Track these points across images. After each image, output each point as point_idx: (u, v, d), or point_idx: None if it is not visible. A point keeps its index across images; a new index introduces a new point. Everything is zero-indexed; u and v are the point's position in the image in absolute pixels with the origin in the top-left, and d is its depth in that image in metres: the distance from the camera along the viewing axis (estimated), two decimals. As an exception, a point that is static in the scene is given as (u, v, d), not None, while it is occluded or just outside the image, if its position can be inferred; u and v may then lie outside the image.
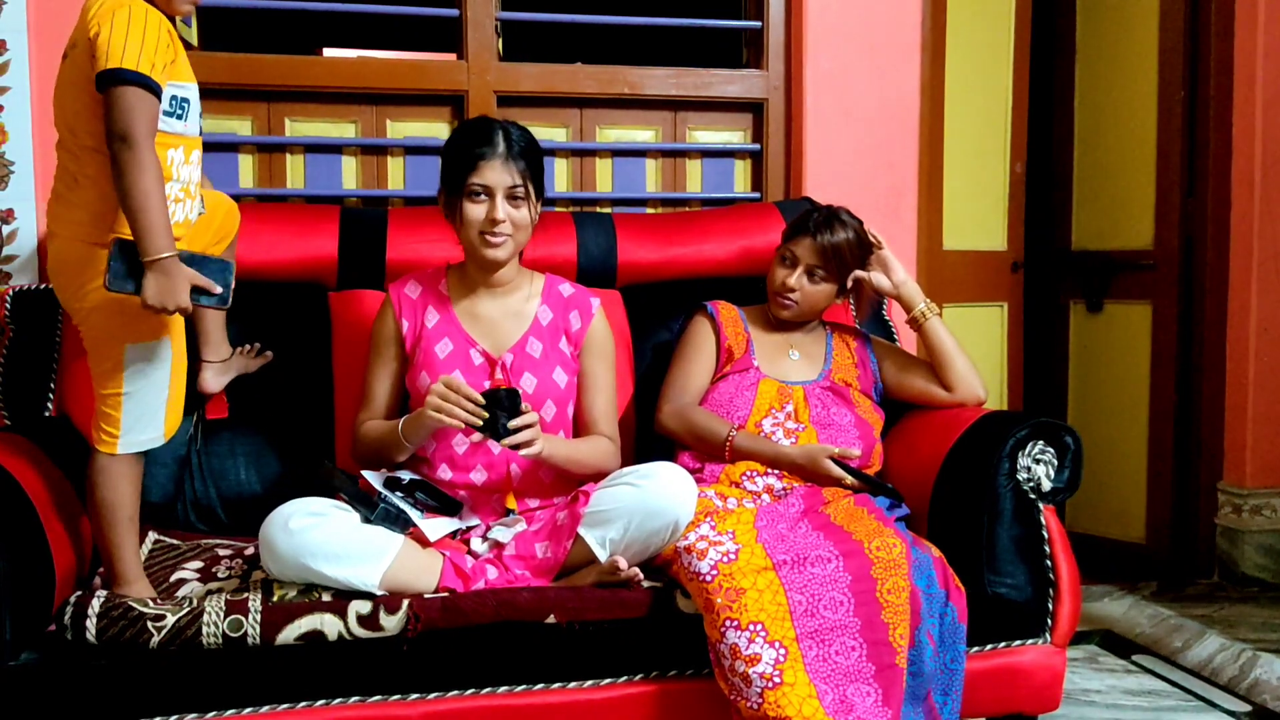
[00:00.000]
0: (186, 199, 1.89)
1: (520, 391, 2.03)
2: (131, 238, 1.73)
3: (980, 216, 3.41)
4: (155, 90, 1.74)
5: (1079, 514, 3.58)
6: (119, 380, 1.86)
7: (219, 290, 1.81)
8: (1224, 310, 3.39)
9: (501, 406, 1.97)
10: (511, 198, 2.09)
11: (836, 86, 3.00)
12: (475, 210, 2.10)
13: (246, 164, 2.84)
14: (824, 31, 2.98)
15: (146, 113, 1.72)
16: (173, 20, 1.85)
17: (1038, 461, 2.10)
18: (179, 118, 1.84)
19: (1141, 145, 3.49)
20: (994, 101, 3.41)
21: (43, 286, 2.41)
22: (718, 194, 3.08)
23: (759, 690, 1.77)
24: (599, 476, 2.13)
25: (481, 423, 1.97)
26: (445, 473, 2.15)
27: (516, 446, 1.99)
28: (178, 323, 1.92)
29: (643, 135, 3.07)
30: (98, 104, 1.73)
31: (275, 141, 2.83)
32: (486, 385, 2.12)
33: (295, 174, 2.87)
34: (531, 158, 2.12)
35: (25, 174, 2.53)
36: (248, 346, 2.36)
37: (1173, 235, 3.43)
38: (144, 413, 1.89)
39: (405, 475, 2.10)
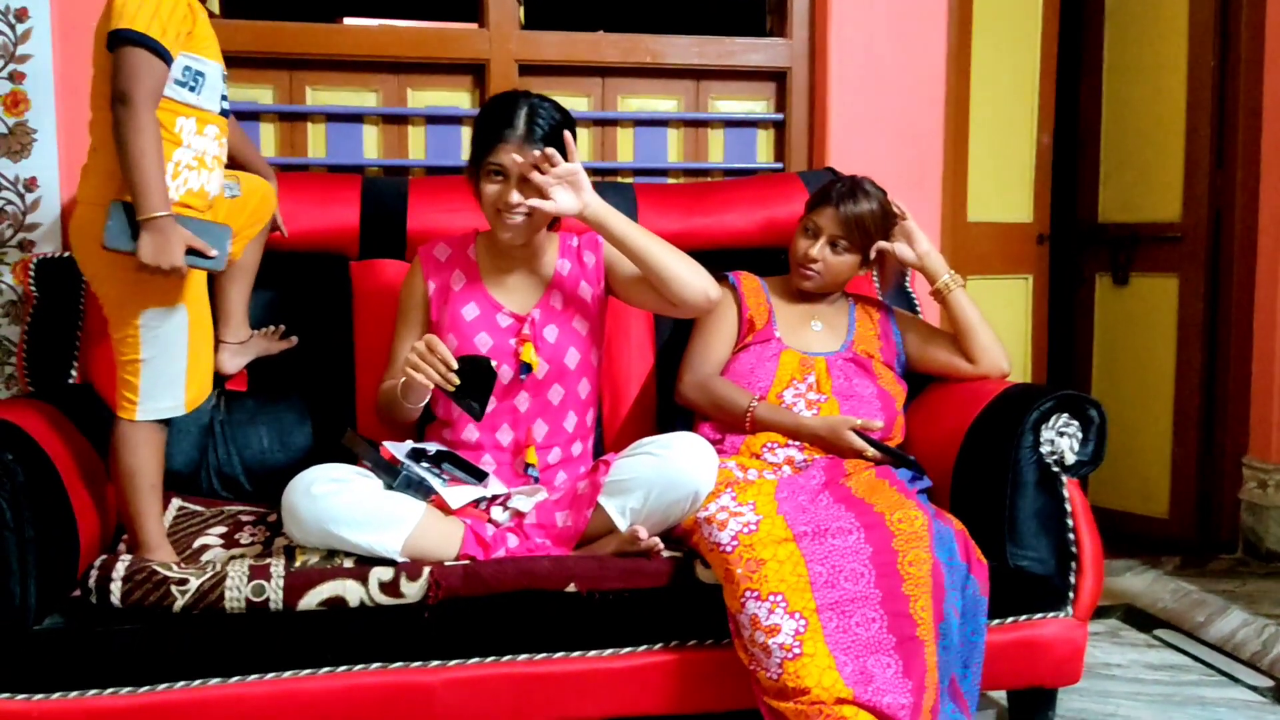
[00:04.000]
0: (201, 169, 1.89)
1: (494, 367, 2.00)
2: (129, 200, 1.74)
3: (1006, 188, 3.37)
4: (163, 55, 1.74)
5: (1102, 488, 3.56)
6: (136, 346, 1.88)
7: (214, 253, 1.82)
8: (1251, 284, 3.35)
9: (476, 376, 1.95)
10: (528, 180, 2.07)
11: (861, 55, 2.97)
12: (490, 189, 2.09)
13: (268, 133, 2.84)
14: (849, -1, 2.95)
15: (150, 75, 1.73)
16: None
17: (1061, 434, 2.09)
18: (191, 89, 1.85)
19: (1170, 116, 3.44)
20: (1021, 71, 3.36)
21: (66, 255, 2.42)
22: (740, 164, 3.06)
23: (779, 660, 1.77)
24: (686, 292, 2.11)
25: (453, 388, 1.95)
26: (471, 433, 2.15)
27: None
28: (197, 295, 1.93)
29: (665, 104, 3.05)
30: (109, 67, 1.75)
31: (297, 110, 2.83)
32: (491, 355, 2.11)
33: (317, 143, 2.87)
34: (554, 138, 2.07)
35: (48, 142, 2.54)
36: (271, 329, 2.37)
37: (1201, 208, 3.39)
38: (162, 380, 1.90)
39: (432, 447, 2.11)
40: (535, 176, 2.03)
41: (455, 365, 1.96)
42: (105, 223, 1.75)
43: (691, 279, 2.12)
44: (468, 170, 2.15)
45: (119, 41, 1.72)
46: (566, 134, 2.07)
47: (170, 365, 1.91)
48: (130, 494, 1.92)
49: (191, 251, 1.79)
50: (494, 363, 2.00)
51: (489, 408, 2.04)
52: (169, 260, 1.75)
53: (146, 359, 1.88)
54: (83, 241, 1.88)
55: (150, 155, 1.72)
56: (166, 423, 1.95)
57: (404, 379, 2.03)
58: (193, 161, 1.87)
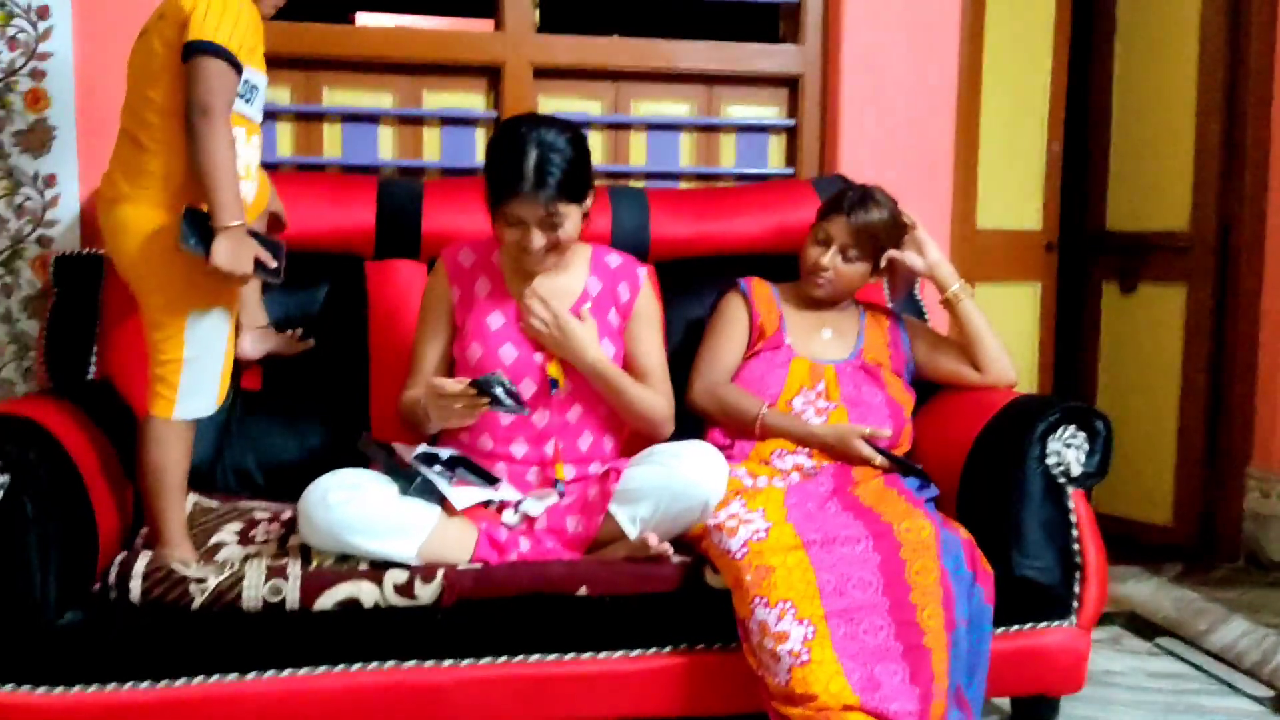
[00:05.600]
0: (246, 179, 1.93)
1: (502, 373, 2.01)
2: (198, 206, 1.78)
3: (1015, 195, 3.39)
4: (239, 68, 1.80)
5: (1105, 495, 3.56)
6: (180, 346, 1.91)
7: (275, 264, 1.88)
8: (1258, 294, 3.36)
9: (493, 387, 1.96)
10: (544, 226, 2.06)
11: (873, 62, 2.98)
12: (510, 234, 2.09)
13: (285, 132, 2.86)
14: (862, 6, 2.96)
15: (227, 87, 1.78)
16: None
17: (1068, 446, 2.11)
18: (248, 101, 1.91)
19: (1180, 125, 3.45)
20: (1032, 79, 3.38)
21: (86, 251, 2.44)
22: (751, 169, 3.08)
23: (787, 667, 1.80)
24: (647, 429, 2.18)
25: (489, 403, 1.97)
26: (486, 442, 2.17)
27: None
28: (233, 298, 1.97)
29: (677, 109, 3.07)
30: (178, 76, 1.79)
31: (313, 110, 2.85)
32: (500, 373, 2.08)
33: (332, 143, 2.89)
34: (567, 181, 2.04)
35: (68, 140, 2.56)
36: (290, 332, 2.39)
37: (1209, 217, 3.40)
38: (200, 380, 1.94)
39: (445, 452, 2.13)
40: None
41: (473, 392, 1.96)
42: (181, 227, 1.79)
43: (646, 420, 2.20)
44: (486, 203, 2.13)
45: (198, 52, 1.76)
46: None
47: (210, 365, 1.95)
48: (156, 491, 1.95)
49: (256, 263, 1.85)
50: (498, 373, 1.99)
51: (527, 395, 2.08)
52: (241, 267, 1.81)
53: (189, 359, 1.92)
54: (129, 239, 1.90)
55: (229, 166, 1.78)
56: (195, 423, 1.98)
57: (427, 401, 2.05)
58: (241, 171, 1.90)
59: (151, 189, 1.87)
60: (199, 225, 1.79)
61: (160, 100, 1.82)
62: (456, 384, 1.97)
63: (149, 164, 1.87)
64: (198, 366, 1.93)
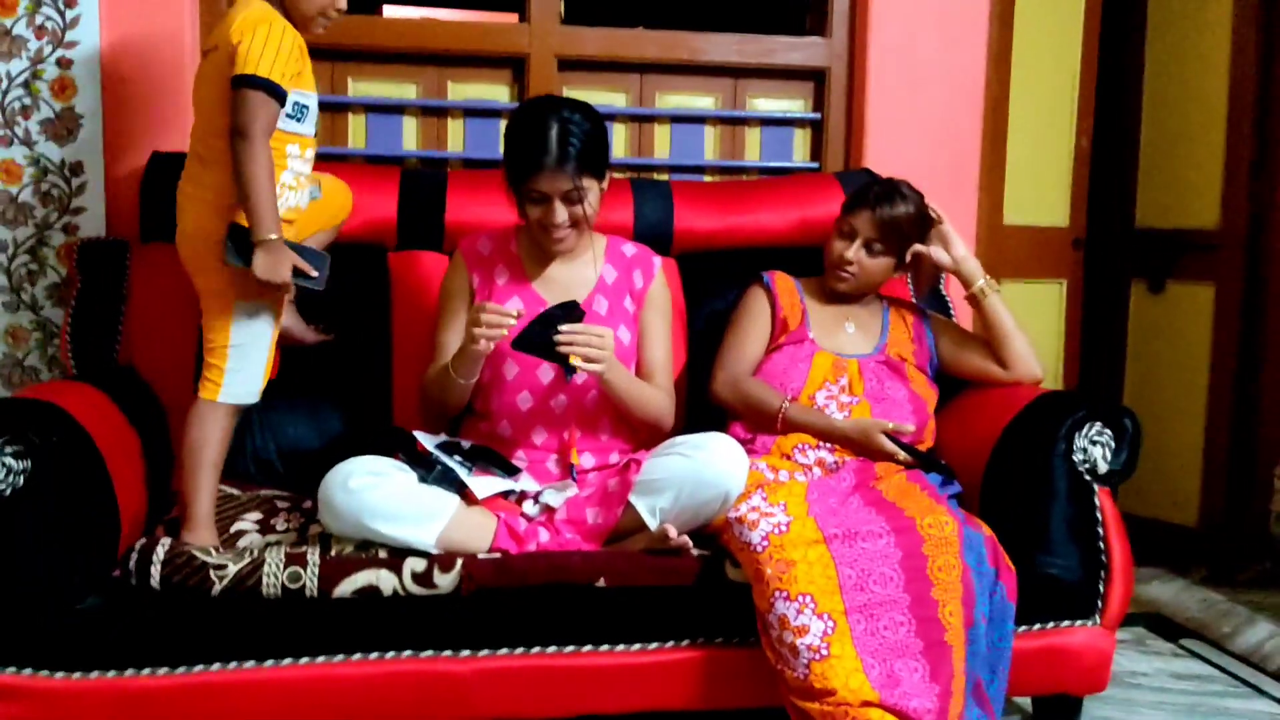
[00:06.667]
0: (299, 188, 2.07)
1: (579, 305, 2.03)
2: (243, 222, 1.93)
3: (1043, 191, 3.36)
4: (280, 95, 1.93)
5: (1131, 496, 3.53)
6: (227, 332, 2.02)
7: (315, 274, 1.99)
8: (1289, 294, 3.32)
9: (556, 320, 1.98)
10: (567, 200, 2.09)
11: (901, 56, 2.96)
12: (534, 211, 2.12)
13: (309, 122, 2.86)
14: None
15: (266, 114, 1.92)
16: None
17: (1094, 443, 2.09)
18: (298, 120, 2.04)
19: (1211, 121, 3.41)
20: (1061, 74, 3.34)
21: (111, 239, 2.45)
22: (776, 163, 3.06)
23: (806, 661, 1.79)
24: (653, 428, 2.19)
25: (514, 322, 1.99)
26: (506, 429, 2.17)
27: (571, 364, 1.99)
28: (279, 299, 2.06)
29: (702, 102, 3.05)
30: (228, 101, 1.92)
31: (338, 101, 2.85)
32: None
33: (356, 134, 2.89)
34: (588, 154, 2.08)
35: (94, 128, 2.57)
36: (313, 326, 2.40)
37: (1239, 215, 3.36)
38: (246, 365, 2.03)
39: (466, 443, 2.13)
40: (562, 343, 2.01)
41: (513, 312, 2.00)
42: (225, 242, 1.95)
43: (650, 419, 2.22)
44: (506, 184, 2.16)
45: (243, 85, 1.90)
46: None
47: (255, 354, 2.04)
48: (192, 470, 2.01)
49: (297, 272, 1.97)
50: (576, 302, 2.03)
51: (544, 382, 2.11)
52: (280, 277, 1.94)
53: (235, 345, 2.02)
54: (193, 245, 2.04)
55: (264, 184, 1.91)
56: (239, 411, 2.06)
57: (453, 356, 2.08)
58: (293, 182, 2.05)
59: (210, 199, 2.00)
60: (241, 239, 1.94)
61: (218, 123, 1.96)
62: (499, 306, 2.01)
63: (206, 177, 2.00)
64: (243, 353, 2.03)
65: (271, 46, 1.93)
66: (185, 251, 2.06)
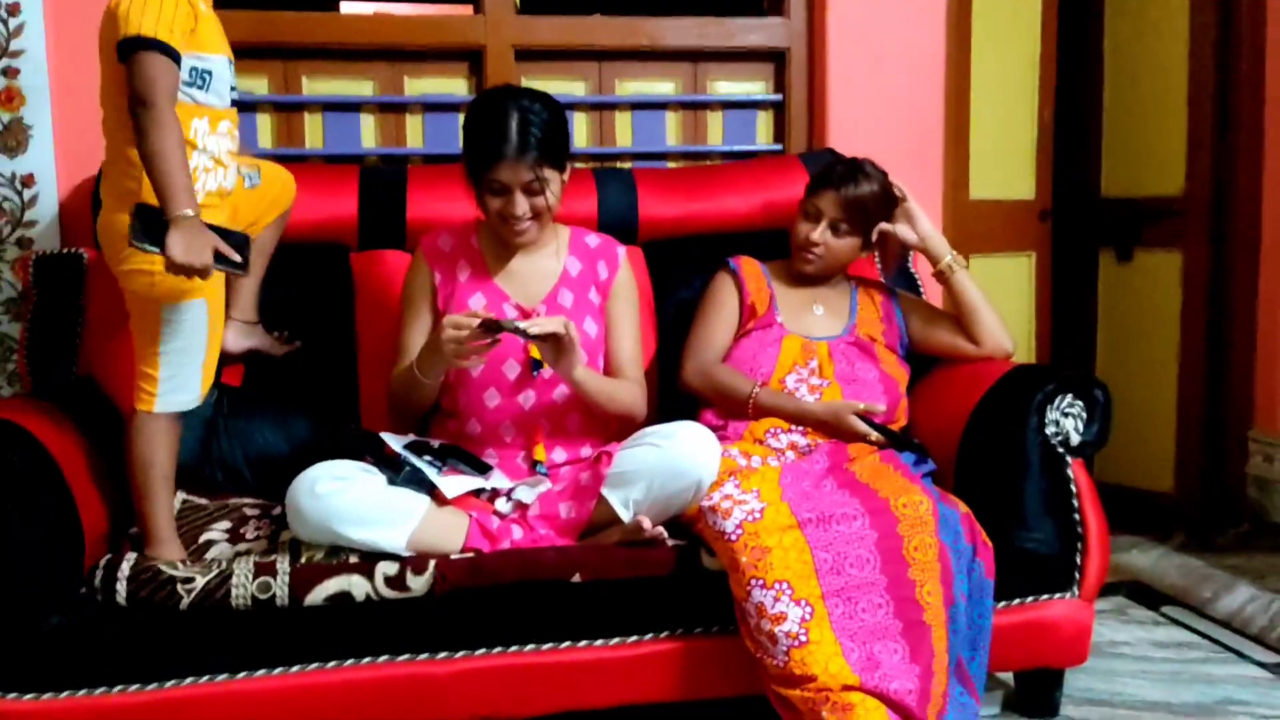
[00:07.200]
0: (217, 168, 1.91)
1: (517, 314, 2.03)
2: (152, 203, 1.75)
3: (1008, 165, 3.35)
4: (174, 56, 1.76)
5: (1107, 464, 3.54)
6: (156, 340, 1.89)
7: (238, 258, 1.82)
8: (1256, 257, 3.32)
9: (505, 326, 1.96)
10: (528, 190, 2.07)
11: (860, 33, 2.94)
12: (494, 203, 2.09)
13: (265, 123, 2.83)
14: (847, -24, 2.93)
15: (166, 77, 1.74)
16: None
17: (1066, 415, 2.08)
18: (200, 88, 1.86)
19: (1172, 88, 3.41)
20: (1023, 46, 3.33)
21: (66, 251, 2.41)
22: (739, 146, 3.04)
23: (785, 648, 1.77)
24: (625, 420, 2.17)
25: (498, 335, 1.96)
26: (475, 427, 2.15)
27: (545, 338, 1.97)
28: (216, 290, 1.94)
29: (662, 87, 3.03)
30: (122, 74, 1.76)
31: (293, 100, 2.81)
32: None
33: (314, 133, 2.85)
34: (548, 143, 2.05)
35: (44, 138, 2.53)
36: (277, 334, 2.36)
37: (1204, 181, 3.36)
38: (181, 372, 1.92)
39: (435, 442, 2.11)
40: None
41: (490, 318, 1.96)
42: (130, 224, 1.75)
43: (622, 414, 2.19)
44: (466, 177, 2.13)
45: (130, 49, 1.73)
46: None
47: (191, 358, 1.93)
48: (143, 487, 1.93)
49: (218, 256, 1.79)
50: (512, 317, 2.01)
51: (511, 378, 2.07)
52: (200, 259, 1.73)
53: (165, 352, 1.90)
54: (107, 241, 1.90)
55: (174, 154, 1.73)
56: (180, 417, 1.96)
57: (417, 357, 2.05)
58: (209, 164, 1.89)
59: (118, 189, 1.85)
60: (152, 221, 1.73)
61: (113, 103, 1.80)
62: (470, 319, 1.95)
63: (113, 167, 1.86)
64: (178, 359, 1.91)
65: (154, 2, 1.75)
66: (105, 251, 1.90)
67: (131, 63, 1.73)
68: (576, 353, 2.04)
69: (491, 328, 1.94)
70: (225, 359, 2.28)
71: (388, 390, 2.22)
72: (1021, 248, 3.41)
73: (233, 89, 1.97)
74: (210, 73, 1.88)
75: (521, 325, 1.95)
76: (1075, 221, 3.72)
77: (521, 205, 2.07)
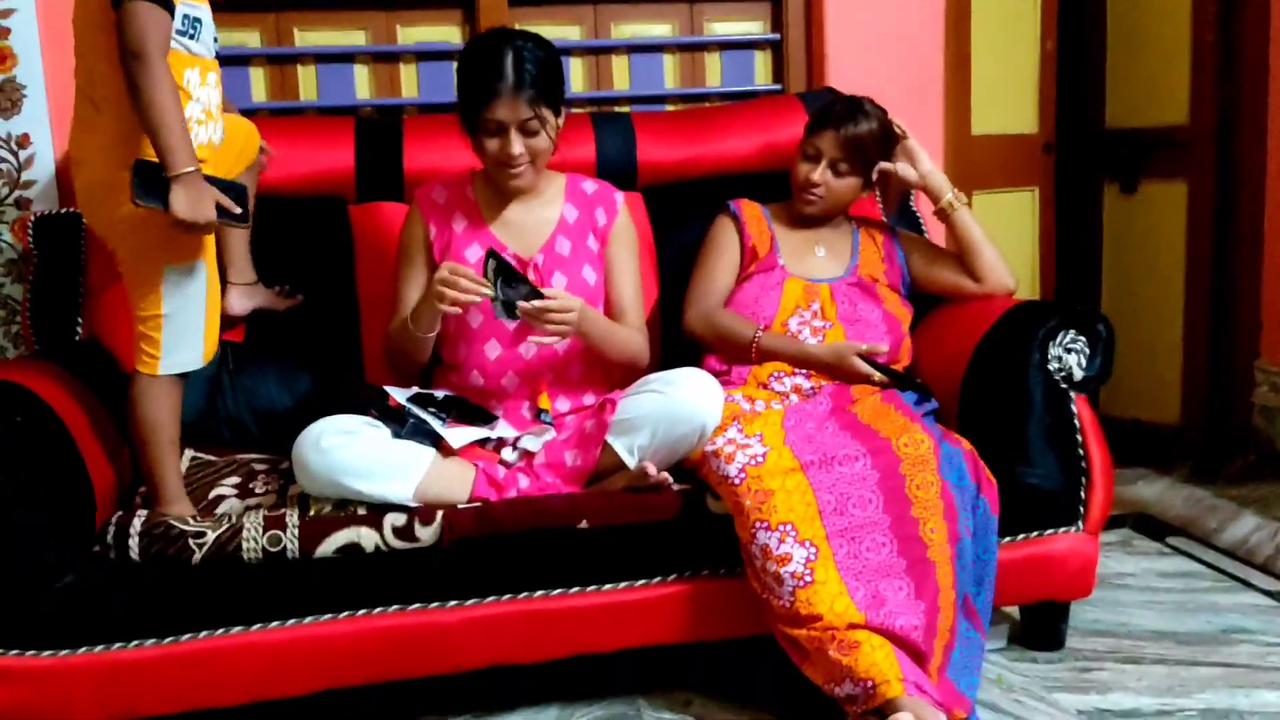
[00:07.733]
0: (209, 120, 1.88)
1: (514, 263, 2.02)
2: (151, 159, 1.72)
3: (1010, 98, 3.32)
4: (168, 6, 1.72)
5: (1113, 397, 3.54)
6: (158, 302, 1.87)
7: (239, 210, 1.81)
8: (1261, 187, 3.29)
9: (503, 276, 1.96)
10: (525, 130, 2.04)
11: (858, -32, 2.90)
12: (490, 144, 2.07)
13: (258, 77, 2.81)
14: (844, -90, 2.88)
15: (159, 27, 1.70)
16: None
17: (1069, 351, 2.08)
18: (193, 38, 1.83)
19: (1176, 16, 3.36)
20: (1023, -24, 3.29)
21: (65, 211, 2.40)
22: (738, 88, 3.01)
23: (790, 589, 1.79)
24: (628, 368, 2.17)
25: (492, 294, 1.96)
26: (477, 379, 2.15)
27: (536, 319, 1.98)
28: (210, 247, 1.93)
29: (659, 29, 2.99)
30: (112, 24, 1.71)
31: (285, 52, 2.79)
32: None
33: (307, 85, 2.83)
34: (545, 82, 2.04)
35: (38, 97, 2.51)
36: (278, 288, 2.36)
37: (1208, 110, 3.32)
38: (184, 334, 1.91)
39: (440, 393, 2.11)
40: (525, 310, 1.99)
41: (477, 275, 1.96)
42: (131, 182, 1.72)
43: (626, 359, 2.20)
44: (461, 122, 2.11)
45: None
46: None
47: (193, 319, 1.91)
48: (149, 449, 1.93)
49: (219, 208, 1.78)
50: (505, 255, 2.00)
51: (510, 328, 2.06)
52: (204, 215, 1.73)
53: (169, 314, 1.88)
54: (96, 202, 1.86)
55: (172, 110, 1.70)
56: (183, 377, 1.96)
57: (411, 311, 2.05)
58: (201, 115, 1.85)
59: (106, 147, 1.81)
60: (152, 178, 1.71)
61: (100, 54, 1.75)
62: (467, 269, 1.96)
63: (100, 120, 1.81)
64: (179, 321, 1.90)
65: None
66: (92, 213, 1.87)
67: (124, 12, 1.69)
68: (582, 307, 2.04)
69: (508, 275, 1.94)
70: (231, 321, 2.29)
71: (384, 344, 2.22)
72: (1025, 182, 3.38)
73: (215, 39, 1.93)
74: (200, 21, 1.85)
75: (534, 304, 1.95)
76: (1079, 154, 3.69)
77: (517, 146, 2.04)
